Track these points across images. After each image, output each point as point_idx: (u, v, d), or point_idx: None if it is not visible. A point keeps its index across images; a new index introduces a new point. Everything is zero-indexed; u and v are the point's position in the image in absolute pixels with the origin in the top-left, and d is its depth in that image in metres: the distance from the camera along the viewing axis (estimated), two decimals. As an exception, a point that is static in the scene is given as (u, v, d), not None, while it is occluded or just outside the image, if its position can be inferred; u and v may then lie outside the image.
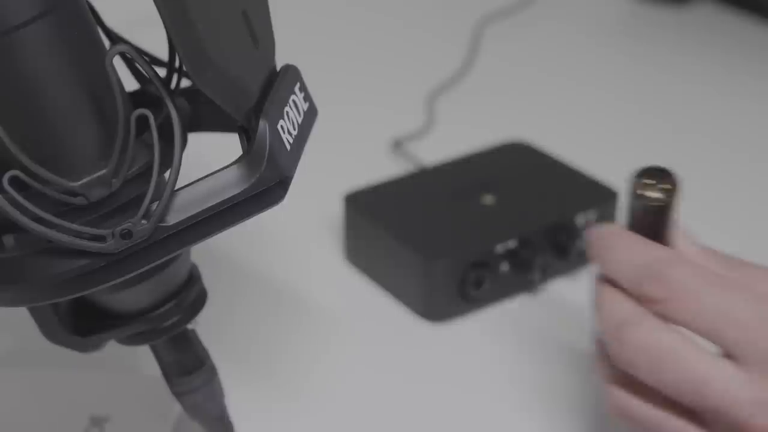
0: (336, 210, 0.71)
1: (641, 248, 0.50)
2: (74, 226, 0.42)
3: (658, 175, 0.50)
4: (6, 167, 0.41)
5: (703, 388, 0.47)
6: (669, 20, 1.04)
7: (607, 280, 0.51)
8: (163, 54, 0.47)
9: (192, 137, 0.47)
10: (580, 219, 0.69)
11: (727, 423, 0.47)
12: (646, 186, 0.50)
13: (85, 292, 0.43)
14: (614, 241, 0.51)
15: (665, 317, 0.48)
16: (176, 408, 0.55)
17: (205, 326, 0.51)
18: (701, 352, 0.47)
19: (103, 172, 0.43)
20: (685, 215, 0.75)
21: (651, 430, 0.49)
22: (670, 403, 0.49)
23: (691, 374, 0.47)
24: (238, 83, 0.43)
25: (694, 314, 0.47)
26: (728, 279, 0.49)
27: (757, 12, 1.03)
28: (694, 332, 0.48)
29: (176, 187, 0.43)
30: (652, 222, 0.50)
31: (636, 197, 0.50)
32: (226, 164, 0.43)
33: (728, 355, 0.47)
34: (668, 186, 0.49)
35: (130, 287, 0.46)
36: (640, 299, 0.49)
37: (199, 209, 0.43)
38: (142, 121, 0.42)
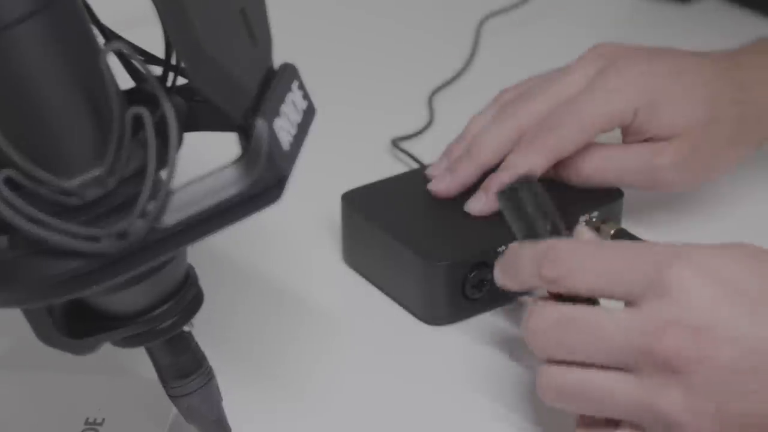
0: (335, 210, 0.71)
1: (532, 244, 0.55)
2: (68, 227, 0.41)
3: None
4: (-1, 167, 0.41)
5: (600, 334, 0.51)
6: (672, 17, 1.04)
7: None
8: (159, 52, 0.47)
9: (190, 135, 0.46)
10: (585, 220, 0.68)
11: (644, 360, 0.50)
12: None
13: (80, 294, 0.43)
14: (512, 252, 0.56)
15: (568, 293, 0.53)
16: (172, 411, 0.54)
17: (202, 327, 0.50)
18: (590, 308, 0.52)
19: (99, 171, 0.42)
20: (692, 212, 0.75)
21: (584, 394, 0.52)
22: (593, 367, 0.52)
23: (586, 329, 0.52)
24: (235, 81, 0.43)
25: (586, 282, 0.52)
26: (603, 242, 0.57)
27: (760, 9, 1.02)
28: (595, 296, 0.53)
29: (173, 187, 0.42)
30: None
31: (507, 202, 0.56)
32: (223, 163, 0.43)
33: (627, 304, 0.52)
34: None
35: (125, 288, 0.46)
36: (543, 284, 0.54)
37: (196, 209, 0.42)
38: (140, 119, 0.42)
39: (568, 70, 0.70)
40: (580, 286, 0.53)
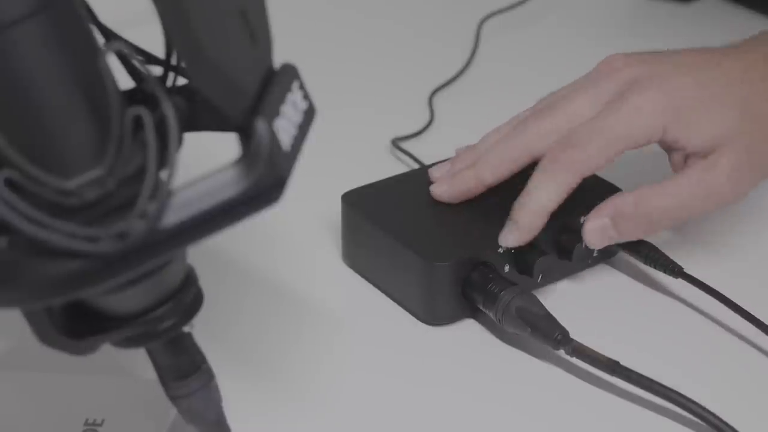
0: (335, 210, 0.71)
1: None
2: (68, 227, 0.41)
3: None
4: (-2, 167, 0.41)
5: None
6: (672, 17, 1.04)
7: None
8: (159, 52, 0.47)
9: (190, 135, 0.46)
10: (585, 220, 0.68)
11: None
12: None
13: (79, 294, 0.43)
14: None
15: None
16: (172, 412, 0.54)
17: (202, 328, 0.50)
18: None
19: (98, 171, 0.42)
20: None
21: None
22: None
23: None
24: (235, 82, 0.43)
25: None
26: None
27: (760, 8, 1.02)
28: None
29: (173, 187, 0.42)
30: None
31: None
32: (223, 163, 0.43)
33: None
34: None
35: (125, 289, 0.46)
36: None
37: (196, 210, 0.42)
38: (140, 120, 0.42)
39: (580, 89, 0.68)
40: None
